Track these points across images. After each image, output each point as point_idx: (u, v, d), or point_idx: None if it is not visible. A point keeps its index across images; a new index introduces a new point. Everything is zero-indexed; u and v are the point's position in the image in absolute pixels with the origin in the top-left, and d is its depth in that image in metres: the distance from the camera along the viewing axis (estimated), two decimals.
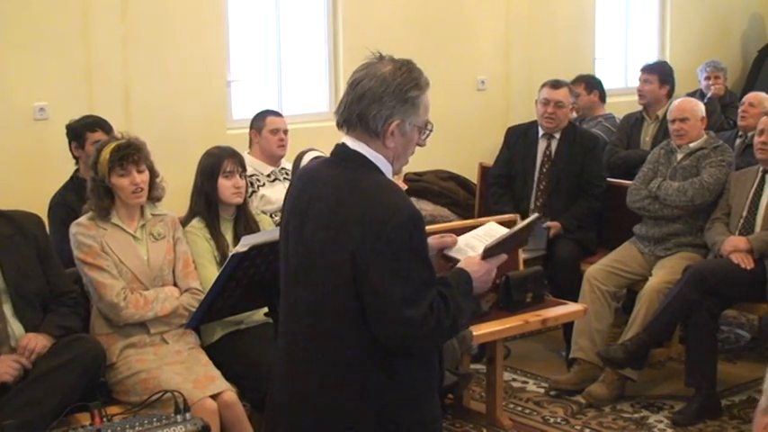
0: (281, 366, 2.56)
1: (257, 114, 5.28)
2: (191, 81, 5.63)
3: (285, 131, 5.21)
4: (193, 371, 3.66)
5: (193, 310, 3.69)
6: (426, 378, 2.51)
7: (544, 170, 5.63)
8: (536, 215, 2.97)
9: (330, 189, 2.44)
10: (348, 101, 2.45)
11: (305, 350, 2.47)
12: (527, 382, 5.12)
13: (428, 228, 2.77)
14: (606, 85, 6.86)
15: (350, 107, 2.45)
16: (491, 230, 2.73)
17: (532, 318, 4.41)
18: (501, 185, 5.75)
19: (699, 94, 6.91)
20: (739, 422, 4.57)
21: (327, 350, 2.43)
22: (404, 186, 4.65)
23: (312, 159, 4.26)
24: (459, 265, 2.57)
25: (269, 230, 3.84)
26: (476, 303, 2.74)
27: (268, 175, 5.16)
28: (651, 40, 8.38)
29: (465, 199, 6.56)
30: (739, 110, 5.96)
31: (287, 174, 5.18)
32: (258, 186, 5.08)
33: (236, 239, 3.86)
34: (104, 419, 3.08)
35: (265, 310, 3.58)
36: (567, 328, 5.17)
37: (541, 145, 5.67)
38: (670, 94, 6.27)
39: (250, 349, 3.81)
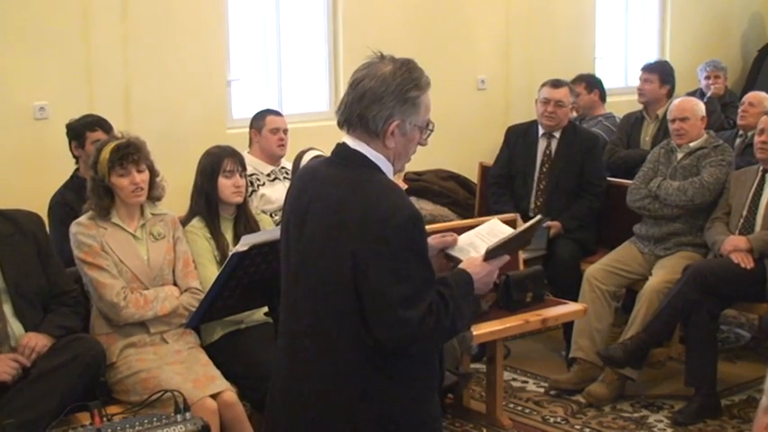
0: (281, 366, 2.56)
1: (257, 114, 5.28)
2: (191, 81, 5.63)
3: (285, 131, 5.21)
4: (193, 370, 3.66)
5: (193, 309, 3.69)
6: (426, 378, 2.50)
7: (544, 170, 5.63)
8: (539, 217, 2.97)
9: (330, 189, 2.44)
10: (349, 101, 2.45)
11: (305, 350, 2.47)
12: (527, 382, 5.11)
13: (428, 227, 2.76)
14: (606, 85, 6.85)
15: (350, 107, 2.45)
16: (494, 228, 2.72)
17: (532, 317, 4.41)
18: (501, 185, 5.75)
19: (699, 94, 6.90)
20: (739, 422, 4.57)
21: (327, 350, 2.43)
22: (404, 186, 4.65)
23: (312, 159, 4.26)
24: (460, 265, 2.57)
25: (269, 230, 3.84)
26: (476, 304, 2.73)
27: (268, 175, 5.16)
28: (651, 40, 8.38)
29: (465, 198, 6.56)
30: (739, 109, 5.96)
31: (287, 173, 5.18)
32: (258, 186, 5.08)
33: (237, 239, 3.86)
34: (104, 419, 3.08)
35: (265, 309, 3.59)
36: (567, 327, 5.16)
37: (541, 144, 5.67)
38: (670, 94, 6.27)
39: (250, 349, 3.81)
